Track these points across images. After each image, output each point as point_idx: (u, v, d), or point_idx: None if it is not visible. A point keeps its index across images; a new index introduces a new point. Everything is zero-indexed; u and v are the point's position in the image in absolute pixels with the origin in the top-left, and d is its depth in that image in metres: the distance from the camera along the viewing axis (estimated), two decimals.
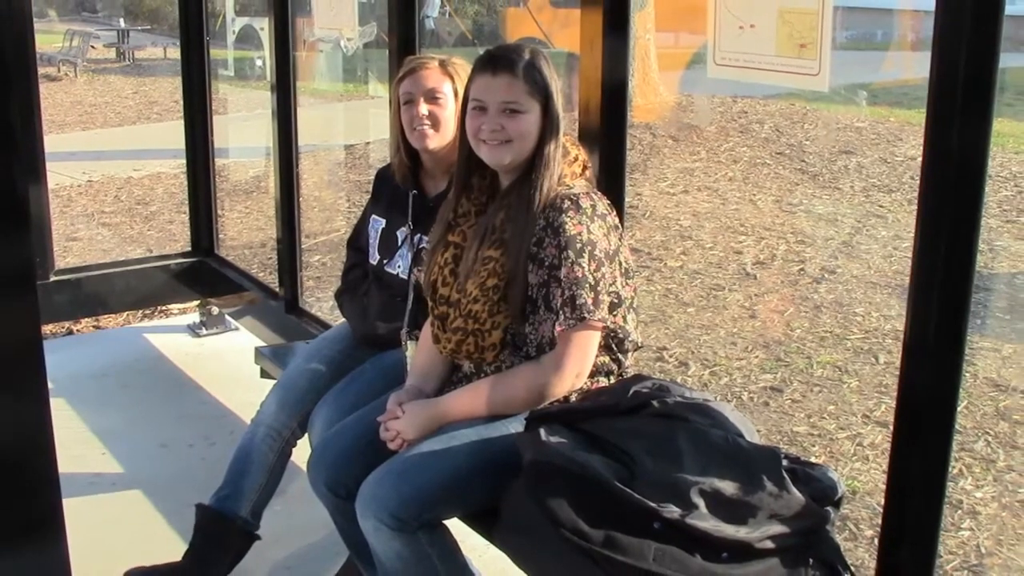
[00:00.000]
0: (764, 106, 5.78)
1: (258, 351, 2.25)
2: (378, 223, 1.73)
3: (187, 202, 3.20)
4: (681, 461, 1.16)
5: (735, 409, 1.31)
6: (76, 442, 2.30)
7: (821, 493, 1.18)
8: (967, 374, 2.72)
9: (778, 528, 1.14)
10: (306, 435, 1.66)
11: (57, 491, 0.89)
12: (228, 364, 2.79)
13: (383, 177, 1.77)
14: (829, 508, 1.18)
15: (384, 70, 2.18)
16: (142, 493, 2.09)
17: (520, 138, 1.34)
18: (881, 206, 4.33)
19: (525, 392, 1.34)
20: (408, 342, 1.56)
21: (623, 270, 1.36)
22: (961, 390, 1.18)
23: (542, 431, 1.23)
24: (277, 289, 2.74)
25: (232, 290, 3.04)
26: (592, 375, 1.36)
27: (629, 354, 1.41)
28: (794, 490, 1.15)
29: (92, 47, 11.37)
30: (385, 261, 1.71)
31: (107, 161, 6.17)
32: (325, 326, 2.46)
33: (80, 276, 2.92)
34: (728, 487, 1.14)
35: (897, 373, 1.21)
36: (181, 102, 3.09)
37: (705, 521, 1.12)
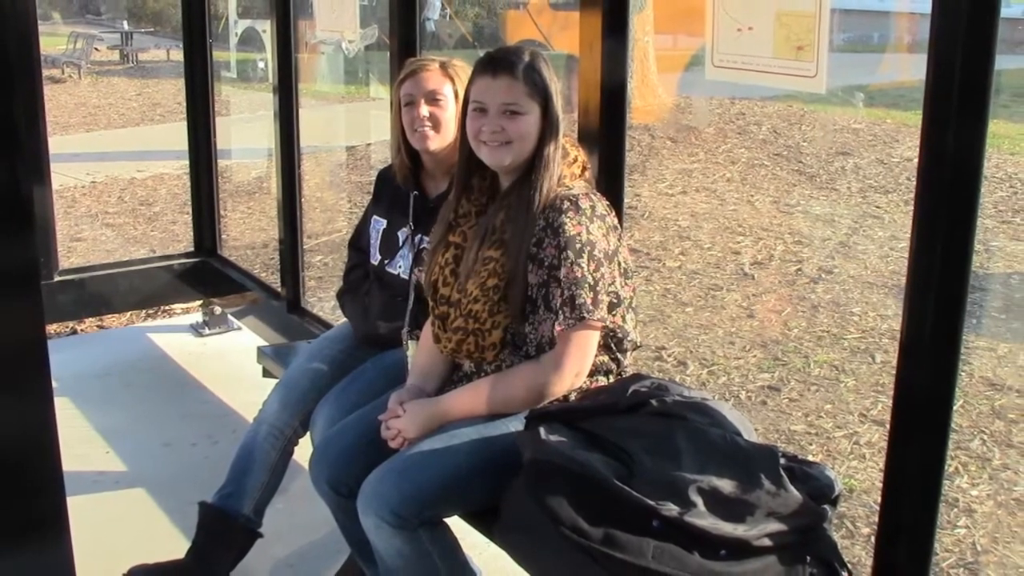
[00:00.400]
0: (762, 108, 5.79)
1: (260, 350, 2.26)
2: (379, 224, 1.74)
3: (190, 203, 3.22)
4: (680, 459, 1.17)
5: (733, 408, 1.32)
6: (80, 441, 2.31)
7: (818, 491, 1.19)
8: (963, 373, 2.73)
9: (776, 526, 1.14)
10: (308, 434, 1.67)
11: (61, 489, 0.90)
12: (231, 363, 2.80)
13: (384, 178, 1.78)
14: (826, 506, 1.18)
15: (385, 72, 2.19)
16: (145, 491, 2.11)
17: (520, 139, 1.35)
18: (878, 207, 4.34)
19: (525, 391, 1.34)
20: (409, 341, 1.58)
21: (622, 270, 1.37)
22: (957, 389, 1.19)
23: (542, 430, 1.24)
24: (279, 289, 2.76)
25: (235, 290, 3.06)
26: (591, 374, 1.37)
27: (628, 353, 1.42)
28: (792, 488, 1.16)
29: (96, 49, 11.39)
30: (386, 261, 1.72)
31: (111, 162, 6.19)
32: (327, 326, 2.47)
33: (84, 276, 2.93)
34: (726, 485, 1.15)
35: (894, 372, 1.22)
36: (184, 104, 3.10)
37: (703, 519, 1.12)
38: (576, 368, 1.33)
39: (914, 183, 1.17)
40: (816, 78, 1.28)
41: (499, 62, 1.36)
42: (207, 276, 3.05)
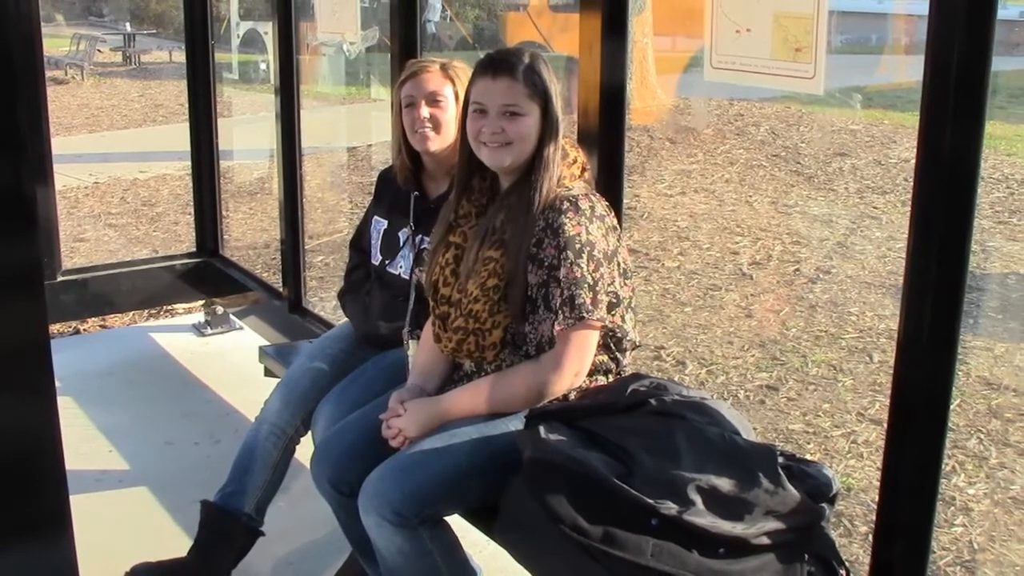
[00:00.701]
0: (760, 109, 5.81)
1: (262, 350, 2.27)
2: (380, 224, 1.75)
3: (192, 203, 3.23)
4: (678, 458, 1.18)
5: (732, 407, 1.32)
6: (83, 440, 2.32)
7: (816, 490, 1.19)
8: (960, 372, 2.74)
9: (774, 524, 1.15)
10: (309, 433, 1.68)
11: (64, 488, 0.90)
12: (232, 363, 2.81)
13: (385, 179, 1.79)
14: (824, 505, 1.19)
15: (386, 73, 2.20)
16: (148, 490, 2.12)
17: (520, 140, 1.36)
18: (875, 207, 4.36)
19: (525, 390, 1.35)
20: (410, 341, 1.58)
21: (621, 270, 1.38)
22: (954, 388, 1.20)
23: (541, 429, 1.25)
24: (281, 289, 2.77)
25: (236, 290, 3.07)
26: (591, 374, 1.38)
27: (627, 353, 1.43)
28: (790, 487, 1.16)
29: (98, 51, 11.40)
30: (387, 261, 1.73)
31: (113, 163, 6.20)
32: (328, 325, 2.48)
33: (87, 276, 2.94)
34: (725, 484, 1.15)
35: (891, 372, 1.22)
36: (186, 105, 3.10)
37: (702, 517, 1.13)
38: (576, 367, 1.34)
39: (911, 184, 1.17)
40: (814, 79, 1.28)
41: (499, 64, 1.37)
42: (209, 276, 3.06)
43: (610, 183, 1.58)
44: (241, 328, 3.07)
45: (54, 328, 3.06)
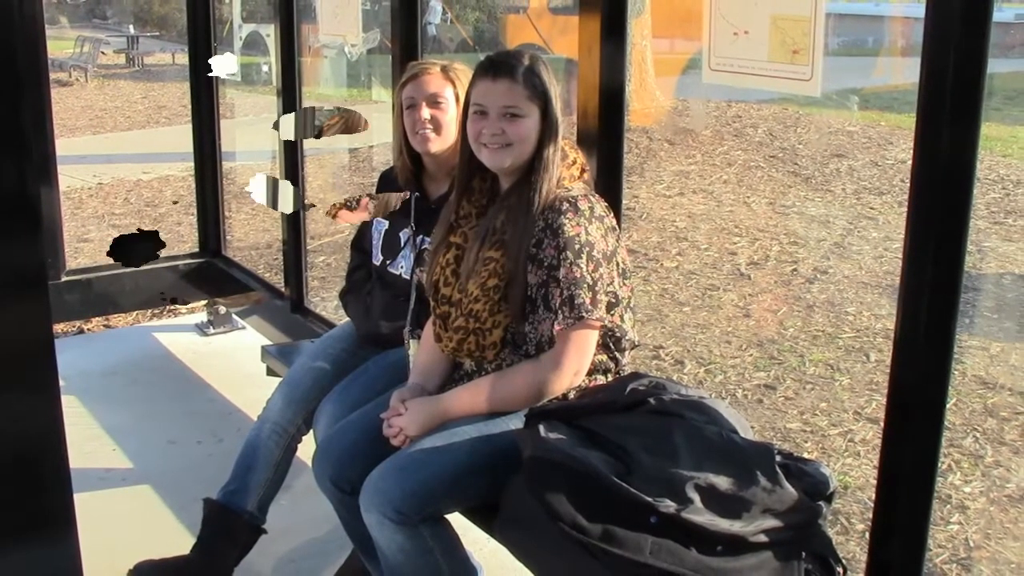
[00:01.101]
0: (758, 110, 5.82)
1: (264, 350, 2.28)
2: (381, 225, 1.77)
3: (195, 204, 3.25)
4: (677, 457, 1.18)
5: (730, 406, 1.33)
6: (87, 439, 2.33)
7: (814, 488, 1.20)
8: (956, 372, 2.75)
9: (772, 522, 1.15)
10: (311, 431, 1.69)
11: (68, 486, 0.90)
12: (235, 362, 2.82)
13: (386, 180, 1.80)
14: (821, 503, 1.19)
15: (387, 75, 2.22)
16: (151, 488, 2.13)
17: (520, 142, 1.37)
18: (872, 208, 4.37)
19: (525, 389, 1.36)
20: (410, 341, 1.59)
21: (620, 270, 1.39)
22: (950, 387, 1.21)
23: (541, 427, 1.26)
24: (283, 289, 2.78)
25: (239, 290, 3.08)
26: (590, 373, 1.39)
27: (626, 352, 1.44)
28: (787, 485, 1.17)
29: (102, 53, 11.41)
30: (388, 262, 1.74)
31: (117, 164, 6.21)
32: (330, 325, 2.49)
33: (90, 276, 2.95)
34: (723, 482, 1.16)
35: (888, 371, 1.23)
36: (189, 106, 3.11)
37: (700, 515, 1.14)
38: (575, 367, 1.35)
39: (908, 185, 1.18)
40: (811, 81, 1.29)
41: (499, 66, 1.38)
42: (212, 276, 3.07)
43: (609, 184, 1.59)
44: (243, 328, 3.07)
45: (58, 328, 3.07)
